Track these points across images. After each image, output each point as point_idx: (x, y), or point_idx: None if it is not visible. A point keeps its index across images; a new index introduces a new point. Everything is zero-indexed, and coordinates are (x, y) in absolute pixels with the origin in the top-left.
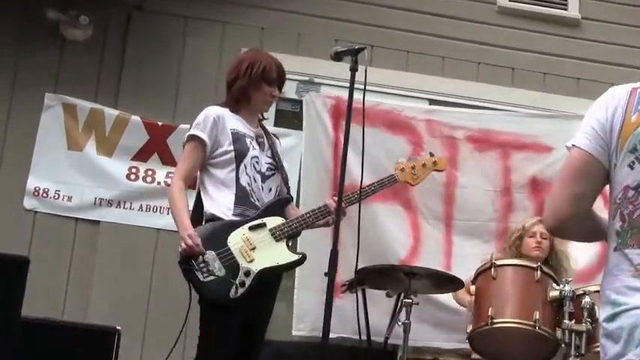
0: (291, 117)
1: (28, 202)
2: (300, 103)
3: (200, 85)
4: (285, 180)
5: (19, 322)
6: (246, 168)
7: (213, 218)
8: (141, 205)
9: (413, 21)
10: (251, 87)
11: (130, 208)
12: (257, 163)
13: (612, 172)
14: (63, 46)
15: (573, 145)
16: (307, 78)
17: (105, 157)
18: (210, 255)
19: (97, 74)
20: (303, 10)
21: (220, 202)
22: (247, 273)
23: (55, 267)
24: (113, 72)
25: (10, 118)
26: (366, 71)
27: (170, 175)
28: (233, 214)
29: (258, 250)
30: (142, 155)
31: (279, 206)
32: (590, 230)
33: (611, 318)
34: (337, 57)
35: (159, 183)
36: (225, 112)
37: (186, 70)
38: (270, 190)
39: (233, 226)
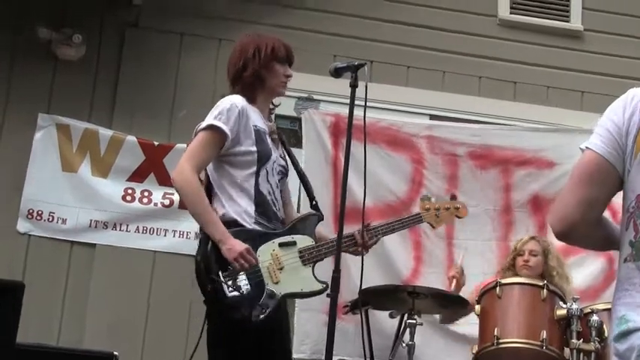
0: (289, 135)
1: (22, 226)
2: (298, 120)
3: (197, 103)
4: (306, 185)
5: (13, 349)
6: (267, 174)
7: (234, 224)
8: (137, 227)
9: (412, 35)
10: (263, 70)
11: (127, 230)
12: (276, 168)
13: (626, 178)
14: (56, 65)
15: (587, 147)
16: (306, 94)
17: (100, 178)
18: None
19: (91, 93)
20: (301, 25)
21: (241, 207)
22: (271, 295)
23: (50, 291)
24: (107, 91)
25: (2, 138)
26: (366, 87)
27: (168, 195)
28: (254, 223)
29: (285, 271)
30: (137, 176)
31: (310, 223)
32: (600, 238)
33: (621, 337)
34: (337, 73)
35: (155, 204)
36: (247, 104)
37: (182, 88)
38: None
39: (263, 237)
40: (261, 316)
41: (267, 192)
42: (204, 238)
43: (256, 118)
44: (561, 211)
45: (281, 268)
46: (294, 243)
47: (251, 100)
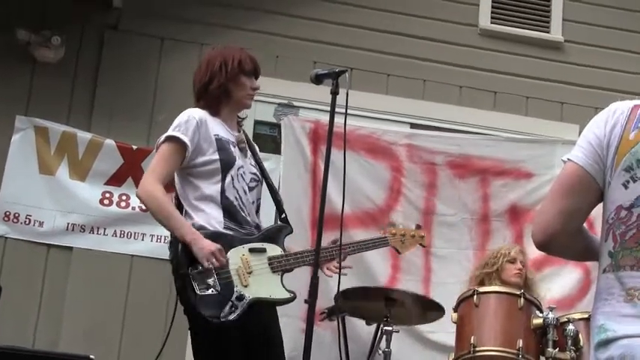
0: (269, 140)
1: None
2: (277, 126)
3: (176, 108)
4: (275, 195)
5: None
6: (233, 180)
7: (202, 229)
8: (115, 231)
9: (393, 43)
10: (230, 83)
11: (104, 234)
12: (243, 174)
13: (606, 190)
14: (34, 67)
15: (568, 159)
16: (285, 101)
17: (78, 181)
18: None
19: (70, 96)
20: (282, 31)
21: (209, 215)
22: (240, 297)
23: (26, 294)
24: (86, 94)
25: None
26: (347, 94)
27: None
28: (224, 228)
29: (254, 276)
30: (115, 180)
31: (280, 234)
32: (580, 248)
33: (601, 346)
34: (317, 80)
35: (133, 208)
36: (206, 116)
37: (162, 92)
38: (252, 203)
39: (233, 241)
40: (231, 316)
41: (234, 197)
42: (175, 240)
43: (218, 129)
44: (543, 221)
45: (250, 272)
46: (264, 250)
47: (215, 113)
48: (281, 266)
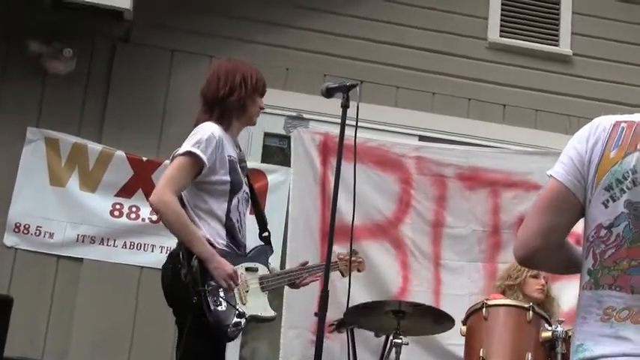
0: (278, 153)
1: (9, 239)
2: (287, 138)
3: (186, 120)
4: (260, 212)
5: None
6: (238, 203)
7: (209, 244)
8: (124, 243)
9: (402, 56)
10: (248, 99)
11: (114, 246)
12: (245, 196)
13: (587, 207)
14: (45, 79)
15: (550, 175)
16: (295, 113)
17: (88, 192)
18: (217, 284)
19: (81, 108)
20: (292, 44)
21: (215, 229)
22: (241, 315)
23: (36, 305)
24: (97, 106)
25: None
26: (357, 108)
27: None
28: (225, 246)
29: (250, 294)
30: (126, 191)
31: (267, 254)
32: (562, 262)
33: None
34: (328, 93)
35: (143, 220)
36: (223, 134)
37: (172, 104)
38: (245, 223)
39: (235, 260)
40: (235, 333)
41: (236, 220)
42: (188, 253)
43: (229, 148)
44: (523, 236)
45: (247, 291)
46: (256, 269)
47: (227, 127)
48: (269, 285)
